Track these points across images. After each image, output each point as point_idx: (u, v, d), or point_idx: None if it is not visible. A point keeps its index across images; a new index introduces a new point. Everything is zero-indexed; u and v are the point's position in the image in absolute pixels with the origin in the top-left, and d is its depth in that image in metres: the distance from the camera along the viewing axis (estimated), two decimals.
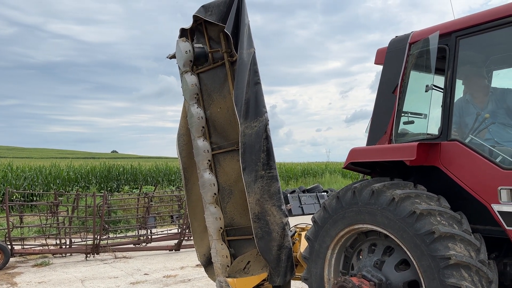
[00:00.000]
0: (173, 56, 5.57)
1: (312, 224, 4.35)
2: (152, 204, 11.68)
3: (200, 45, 5.24)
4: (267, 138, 5.04)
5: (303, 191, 20.16)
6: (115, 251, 9.87)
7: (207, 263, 5.90)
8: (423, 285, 3.31)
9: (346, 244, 4.13)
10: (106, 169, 24.70)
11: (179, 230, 10.92)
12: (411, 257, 3.42)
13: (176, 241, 10.67)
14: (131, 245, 10.63)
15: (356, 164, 4.13)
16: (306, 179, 31.39)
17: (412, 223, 3.37)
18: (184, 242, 10.75)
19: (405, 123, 3.98)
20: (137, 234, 11.27)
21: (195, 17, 5.44)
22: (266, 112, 5.10)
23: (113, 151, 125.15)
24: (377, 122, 4.10)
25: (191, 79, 5.18)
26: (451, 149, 3.49)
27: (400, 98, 3.92)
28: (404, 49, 3.91)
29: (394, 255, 3.74)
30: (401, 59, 3.92)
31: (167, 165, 28.82)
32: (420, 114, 3.98)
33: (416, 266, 3.38)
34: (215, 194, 5.10)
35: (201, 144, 5.16)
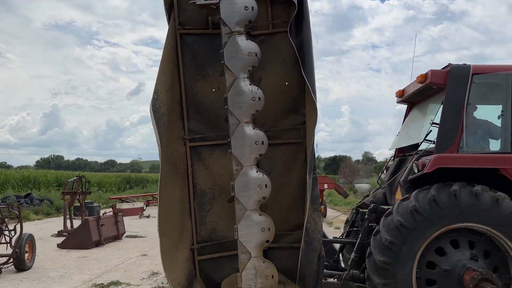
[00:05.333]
0: (210, 6, 3.99)
1: (393, 230, 4.31)
2: None
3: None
4: (314, 134, 4.49)
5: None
6: None
7: None
8: None
9: None
10: None
11: None
12: (511, 246, 4.23)
13: None
14: None
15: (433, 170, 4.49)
16: None
17: None
18: None
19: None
20: None
21: None
22: None
23: None
24: (445, 134, 4.66)
25: (249, 45, 3.93)
26: (502, 162, 4.56)
27: (467, 117, 4.68)
28: (467, 77, 4.72)
29: (478, 248, 4.41)
30: (465, 84, 4.70)
31: None
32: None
33: None
34: (264, 198, 3.99)
35: (251, 132, 3.95)
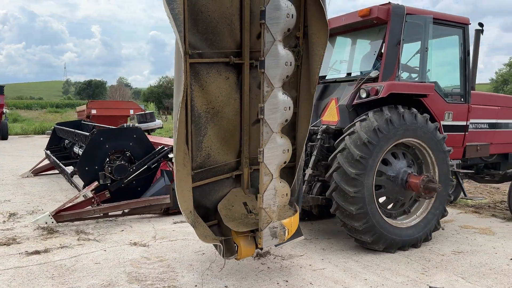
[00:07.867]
0: None
1: (362, 146, 4.98)
2: None
3: None
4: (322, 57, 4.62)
5: None
6: None
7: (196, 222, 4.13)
8: (436, 169, 5.55)
9: None
10: None
11: None
12: (431, 155, 5.50)
13: None
14: None
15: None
16: None
17: (435, 133, 5.49)
18: None
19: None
20: None
21: None
22: None
23: None
24: (388, 65, 5.44)
25: None
26: (430, 89, 5.77)
27: (401, 51, 5.56)
28: (403, 16, 5.54)
29: (408, 158, 5.54)
30: (401, 22, 5.53)
31: None
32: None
33: (433, 159, 5.52)
34: (286, 120, 4.01)
35: (283, 52, 3.85)
